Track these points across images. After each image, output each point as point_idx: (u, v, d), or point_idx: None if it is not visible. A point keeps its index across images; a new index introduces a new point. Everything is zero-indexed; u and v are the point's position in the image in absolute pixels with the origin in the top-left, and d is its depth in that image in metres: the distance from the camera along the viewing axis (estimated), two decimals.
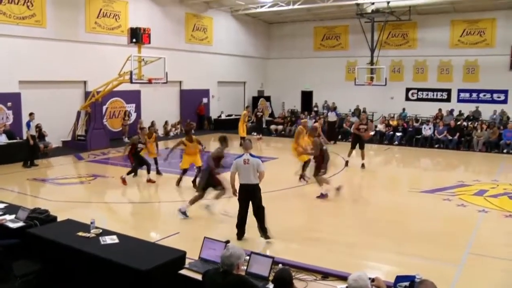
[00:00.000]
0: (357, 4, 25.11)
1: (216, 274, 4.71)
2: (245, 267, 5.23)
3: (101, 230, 6.75)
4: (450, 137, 21.87)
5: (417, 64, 28.98)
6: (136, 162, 13.87)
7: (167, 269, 5.73)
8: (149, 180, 13.91)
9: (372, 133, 23.36)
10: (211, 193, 10.45)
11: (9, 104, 18.42)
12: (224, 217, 10.15)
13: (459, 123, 22.97)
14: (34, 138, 16.55)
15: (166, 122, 25.28)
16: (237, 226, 8.71)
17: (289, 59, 32.94)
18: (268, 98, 32.65)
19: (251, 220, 8.69)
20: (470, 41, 27.21)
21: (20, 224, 7.21)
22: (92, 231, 6.70)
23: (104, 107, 22.05)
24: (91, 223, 6.84)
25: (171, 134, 25.23)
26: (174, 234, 8.91)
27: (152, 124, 20.10)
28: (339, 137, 22.93)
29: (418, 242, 8.84)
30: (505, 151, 20.56)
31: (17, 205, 8.42)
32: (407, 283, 4.87)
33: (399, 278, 4.96)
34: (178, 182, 13.55)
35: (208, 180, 10.21)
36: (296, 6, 26.26)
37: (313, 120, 25.89)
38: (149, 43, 18.66)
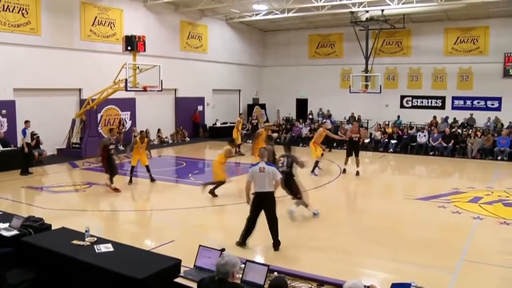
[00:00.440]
0: (352, 12, 25.23)
1: (211, 282, 4.70)
2: (241, 275, 5.22)
3: (95, 238, 6.71)
4: (444, 144, 21.93)
5: (411, 72, 29.12)
6: (110, 165, 13.58)
7: (162, 277, 5.70)
8: (116, 189, 13.53)
9: (367, 140, 23.49)
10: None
11: (3, 111, 18.36)
12: (219, 225, 10.12)
13: (453, 130, 23.02)
14: (29, 146, 16.50)
15: (159, 130, 25.26)
16: (244, 232, 8.65)
17: (284, 66, 33.03)
18: (263, 106, 32.69)
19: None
20: (464, 49, 27.38)
21: (14, 232, 7.16)
22: (86, 239, 6.67)
23: (99, 115, 22.01)
24: (86, 231, 6.81)
25: (169, 141, 25.31)
26: (169, 242, 8.88)
27: (147, 132, 20.09)
28: (334, 144, 22.96)
29: (413, 249, 8.84)
30: (499, 158, 20.63)
31: (11, 213, 8.38)
32: None
33: (395, 286, 4.95)
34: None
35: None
36: (290, 14, 26.38)
37: (308, 128, 26.02)
38: (144, 51, 18.68)
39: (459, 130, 23.50)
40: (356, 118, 28.79)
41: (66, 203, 12.37)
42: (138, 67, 18.41)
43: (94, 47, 21.62)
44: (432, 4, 22.49)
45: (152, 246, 8.55)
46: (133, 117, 23.95)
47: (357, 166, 16.80)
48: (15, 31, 18.59)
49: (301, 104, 32.86)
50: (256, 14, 28.00)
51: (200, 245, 5.89)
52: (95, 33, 21.74)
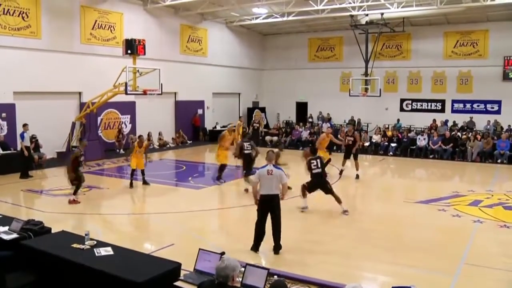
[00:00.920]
0: (351, 16, 25.23)
1: (211, 286, 4.69)
2: (241, 279, 5.22)
3: (95, 242, 6.71)
4: (444, 148, 21.92)
5: (411, 75, 29.15)
6: (77, 176, 12.85)
7: (162, 281, 5.69)
8: (73, 201, 12.61)
9: (367, 143, 23.50)
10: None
11: (3, 115, 18.35)
12: (219, 228, 10.10)
13: (453, 133, 23.02)
14: (28, 150, 16.50)
15: (160, 134, 25.25)
16: (255, 238, 8.64)
17: (284, 70, 33.07)
18: (263, 109, 32.71)
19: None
20: (463, 52, 27.42)
21: (14, 235, 7.15)
22: (86, 242, 6.66)
23: (99, 118, 22.03)
24: (86, 234, 6.80)
25: (170, 145, 25.34)
26: (169, 246, 8.87)
27: (149, 135, 20.06)
28: (334, 147, 22.94)
29: (413, 252, 8.84)
30: (499, 161, 20.61)
31: (11, 216, 8.37)
32: None
33: None
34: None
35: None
36: (290, 18, 26.43)
37: (308, 131, 26.04)
38: (144, 54, 18.71)
39: (459, 133, 23.48)
40: (356, 122, 28.81)
41: (66, 206, 12.36)
42: (138, 71, 18.42)
43: (94, 51, 21.64)
44: (431, 8, 22.53)
45: (152, 250, 8.55)
46: (133, 121, 23.94)
47: (356, 169, 16.84)
48: (15, 34, 18.60)
49: (301, 108, 32.87)
50: (256, 18, 28.03)
51: (200, 249, 5.88)
52: (95, 36, 21.76)
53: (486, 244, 9.46)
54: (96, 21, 21.79)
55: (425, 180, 18.45)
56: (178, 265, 6.03)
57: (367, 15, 24.80)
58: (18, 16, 18.67)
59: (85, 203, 13.11)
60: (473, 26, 26.89)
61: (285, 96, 32.97)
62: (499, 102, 26.55)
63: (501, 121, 25.64)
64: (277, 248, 8.57)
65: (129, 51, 18.29)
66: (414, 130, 25.47)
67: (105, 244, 6.68)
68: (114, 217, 11.82)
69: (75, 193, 12.73)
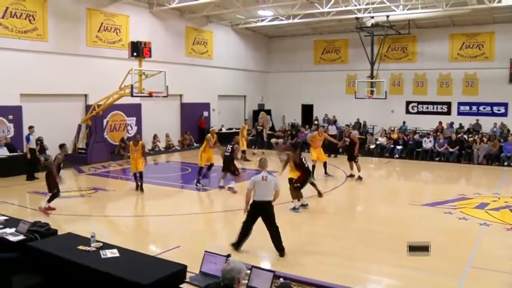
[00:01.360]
0: (357, 18, 25.24)
1: None
2: (246, 281, 5.22)
3: (101, 244, 6.74)
4: (450, 150, 21.85)
5: (416, 78, 29.10)
6: (55, 184, 12.02)
7: (168, 283, 5.71)
8: (48, 208, 11.89)
9: (372, 146, 23.43)
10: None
11: (10, 117, 18.43)
12: (225, 231, 10.09)
13: (459, 136, 22.93)
14: (33, 152, 16.56)
15: (167, 135, 25.27)
16: (240, 236, 8.72)
17: (289, 72, 33.08)
18: (268, 112, 32.69)
19: (251, 232, 8.67)
20: (469, 54, 27.34)
21: (21, 237, 7.20)
22: (92, 244, 6.69)
23: (105, 120, 22.07)
24: (92, 236, 6.83)
25: (177, 147, 25.37)
26: (175, 248, 8.88)
27: (155, 137, 20.06)
28: (340, 150, 22.89)
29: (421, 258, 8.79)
30: (505, 164, 20.53)
31: (17, 218, 8.41)
32: None
33: None
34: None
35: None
36: (296, 20, 26.42)
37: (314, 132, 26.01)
38: (150, 56, 18.73)
39: (465, 136, 23.40)
40: (361, 124, 28.79)
41: (72, 208, 12.41)
42: (143, 73, 18.45)
43: (100, 53, 21.69)
44: (437, 10, 22.47)
45: (157, 252, 8.56)
46: (138, 123, 23.98)
47: (358, 170, 16.89)
48: (22, 37, 18.69)
49: (307, 110, 32.87)
50: (262, 20, 28.06)
51: (205, 251, 5.89)
52: (101, 39, 21.83)
53: (493, 247, 9.42)
54: (102, 23, 21.86)
55: (431, 183, 18.40)
56: (184, 267, 6.05)
57: (372, 17, 24.77)
58: (25, 19, 18.76)
59: (91, 205, 13.16)
60: (479, 28, 26.81)
61: (290, 99, 32.97)
62: (505, 105, 26.44)
63: (508, 123, 25.58)
64: (281, 251, 8.58)
65: (135, 54, 18.32)
66: (420, 133, 25.39)
67: (111, 246, 6.71)
68: (120, 219, 11.84)
69: (50, 200, 11.95)
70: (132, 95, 18.18)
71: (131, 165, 14.75)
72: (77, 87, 20.86)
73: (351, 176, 17.08)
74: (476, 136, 23.17)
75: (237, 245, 8.72)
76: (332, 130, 24.59)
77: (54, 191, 11.92)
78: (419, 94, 29.04)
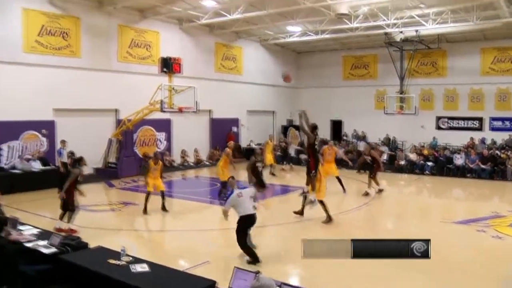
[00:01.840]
0: (386, 33, 25.15)
1: None
2: None
3: (131, 258, 6.79)
4: (482, 167, 21.41)
5: (447, 93, 28.74)
6: (73, 199, 11.48)
7: None
8: (63, 230, 11.06)
9: (402, 162, 23.15)
10: None
11: (44, 131, 18.84)
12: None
13: (491, 152, 22.51)
14: (65, 166, 16.83)
15: (196, 150, 25.40)
16: (252, 254, 9.04)
17: (318, 88, 33.03)
18: (297, 127, 32.62)
19: (280, 248, 8.63)
20: (502, 69, 26.93)
21: (53, 250, 7.30)
22: (122, 258, 6.75)
23: (135, 135, 22.36)
24: (122, 250, 6.89)
25: (206, 162, 25.45)
26: (204, 263, 8.88)
27: (183, 152, 20.14)
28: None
29: (451, 274, 8.63)
30: None
31: (49, 231, 8.54)
32: None
33: None
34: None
35: None
36: (324, 36, 26.48)
37: (343, 150, 25.87)
38: (180, 72, 18.96)
39: (498, 152, 22.95)
40: (391, 140, 28.51)
41: (103, 222, 12.54)
42: (173, 89, 18.64)
43: (131, 69, 22.04)
44: (468, 24, 22.20)
45: (186, 267, 8.57)
46: (168, 138, 24.21)
47: (377, 184, 16.68)
48: (56, 54, 19.14)
49: (336, 126, 32.73)
50: (290, 36, 28.19)
51: (235, 267, 5.88)
52: (131, 55, 22.19)
53: None
54: (133, 39, 22.23)
55: (463, 200, 18.08)
56: (213, 283, 6.05)
57: (401, 32, 24.66)
58: (59, 36, 19.23)
59: (121, 219, 13.28)
60: (510, 42, 26.41)
61: (319, 114, 32.68)
62: None
63: None
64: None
65: (165, 69, 18.57)
66: (451, 149, 25.00)
67: (140, 261, 6.74)
68: (150, 233, 11.93)
69: (70, 220, 11.39)
70: (162, 110, 18.41)
71: (148, 185, 13.79)
72: (108, 102, 21.20)
73: (381, 191, 16.79)
74: (510, 152, 22.69)
75: (254, 260, 8.86)
76: (362, 146, 24.39)
77: (69, 208, 11.34)
78: (449, 109, 28.68)
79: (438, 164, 22.85)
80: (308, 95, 33.67)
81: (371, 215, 14.49)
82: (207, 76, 25.65)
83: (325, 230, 11.75)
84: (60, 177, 16.69)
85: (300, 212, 12.83)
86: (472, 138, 25.91)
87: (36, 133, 18.64)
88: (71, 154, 18.00)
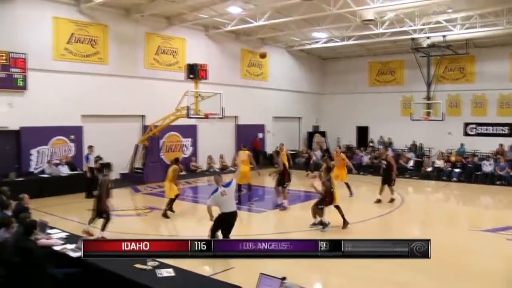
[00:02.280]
0: (412, 39, 24.95)
1: None
2: None
3: (157, 263, 6.83)
4: None
5: (475, 98, 28.33)
6: (104, 208, 11.25)
7: None
8: (91, 233, 11.16)
9: (429, 169, 22.86)
10: None
11: (72, 136, 19.16)
12: None
13: None
14: (92, 171, 17.07)
15: (221, 156, 25.46)
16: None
17: (344, 94, 32.90)
18: (323, 133, 32.54)
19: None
20: None
21: (80, 253, 7.38)
22: (149, 263, 6.79)
23: (161, 141, 22.55)
24: None
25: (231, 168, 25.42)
26: (229, 269, 8.88)
27: (210, 158, 20.04)
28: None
29: (479, 283, 8.47)
30: None
31: (77, 234, 8.66)
32: None
33: None
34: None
35: None
36: (350, 42, 26.41)
37: (368, 156, 25.68)
38: (206, 78, 19.07)
39: None
40: (417, 146, 28.20)
41: (129, 227, 12.64)
42: (199, 95, 18.74)
43: (157, 75, 22.27)
44: (497, 29, 21.89)
45: (211, 272, 8.58)
46: (194, 144, 24.35)
47: (391, 193, 16.10)
48: (84, 61, 19.47)
49: (362, 132, 32.54)
50: (316, 42, 28.17)
51: (261, 273, 5.86)
52: (158, 61, 22.42)
53: None
54: (159, 46, 22.47)
55: (492, 208, 17.75)
56: None
57: (428, 37, 24.44)
58: (88, 43, 19.56)
59: (147, 223, 13.38)
60: None
61: (345, 120, 32.72)
62: None
63: None
64: None
65: (191, 76, 18.68)
66: (479, 155, 24.60)
67: (166, 266, 6.78)
68: (175, 238, 11.96)
69: (103, 228, 11.23)
70: (188, 117, 18.51)
71: (172, 189, 14.15)
72: (135, 108, 21.45)
73: (392, 200, 16.12)
74: None
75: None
76: (389, 152, 24.17)
77: (103, 216, 11.25)
78: (478, 115, 28.25)
79: (466, 171, 22.53)
80: (333, 101, 33.59)
81: (397, 222, 14.32)
82: (233, 83, 25.75)
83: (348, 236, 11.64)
84: (87, 182, 16.99)
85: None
86: (501, 145, 25.47)
87: (65, 138, 18.94)
88: (99, 158, 18.36)
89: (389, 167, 16.14)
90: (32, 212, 10.10)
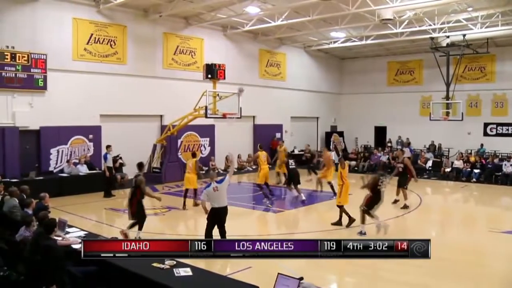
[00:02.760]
0: (432, 38, 24.71)
1: None
2: None
3: (175, 262, 6.85)
4: None
5: (495, 98, 27.98)
6: (141, 212, 10.99)
7: None
8: (127, 234, 10.83)
9: (448, 169, 22.62)
10: None
11: (90, 136, 19.34)
12: None
13: None
14: (110, 170, 17.19)
15: (239, 156, 25.46)
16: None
17: (362, 94, 32.74)
18: (341, 133, 32.40)
19: None
20: None
21: None
22: (166, 262, 6.81)
23: (179, 141, 22.64)
24: None
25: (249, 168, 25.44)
26: (246, 269, 8.87)
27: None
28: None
29: (500, 285, 8.37)
30: None
31: (95, 233, 8.73)
32: None
33: None
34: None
35: None
36: (368, 42, 26.28)
37: (386, 156, 25.51)
38: (224, 78, 19.08)
39: None
40: (436, 146, 27.93)
41: (146, 226, 12.65)
42: (218, 95, 18.77)
43: (176, 75, 22.37)
44: None
45: (229, 272, 8.59)
46: (211, 144, 24.41)
47: (405, 198, 15.46)
48: (103, 61, 19.64)
49: (380, 132, 32.33)
50: (334, 42, 28.07)
51: (278, 273, 5.85)
52: (176, 61, 22.52)
53: None
54: (177, 46, 22.57)
55: None
56: None
57: (448, 37, 24.18)
58: (107, 44, 19.72)
59: (165, 223, 13.44)
60: None
61: (363, 120, 32.55)
62: None
63: None
64: None
65: (209, 76, 18.71)
66: (500, 156, 24.28)
67: (184, 265, 6.80)
68: (193, 237, 12.00)
69: (131, 226, 11.00)
70: (206, 116, 18.55)
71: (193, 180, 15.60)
72: (153, 108, 21.57)
73: (406, 207, 15.30)
74: None
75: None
76: (406, 152, 23.95)
77: (138, 219, 10.93)
78: (498, 115, 27.89)
79: (486, 171, 22.27)
80: (351, 101, 33.45)
81: (415, 223, 14.18)
82: (251, 82, 25.71)
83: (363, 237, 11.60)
84: (106, 182, 17.14)
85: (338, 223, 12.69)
86: None
87: (84, 138, 19.12)
88: (119, 157, 18.57)
89: (405, 170, 15.65)
90: (51, 210, 10.22)
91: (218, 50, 24.10)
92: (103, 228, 12.52)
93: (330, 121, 33.44)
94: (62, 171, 18.14)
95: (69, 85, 18.55)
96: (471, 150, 25.90)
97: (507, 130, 27.52)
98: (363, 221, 11.67)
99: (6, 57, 16.63)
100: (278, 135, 28.28)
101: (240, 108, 18.90)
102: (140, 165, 12.09)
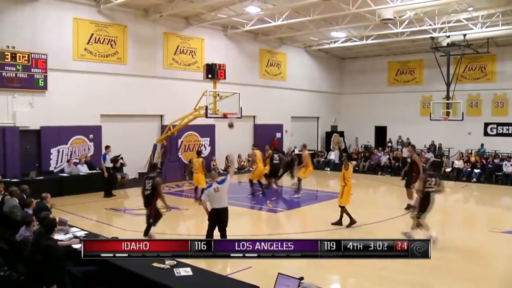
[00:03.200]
0: (432, 38, 24.70)
1: None
2: None
3: (175, 262, 6.85)
4: None
5: (496, 98, 27.98)
6: (158, 212, 11.23)
7: None
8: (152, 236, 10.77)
9: (448, 169, 22.61)
10: None
11: (91, 136, 19.34)
12: None
13: None
14: (109, 171, 17.19)
15: (239, 156, 25.44)
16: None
17: (362, 94, 32.73)
18: (341, 133, 32.39)
19: None
20: None
21: None
22: (166, 262, 6.82)
23: (179, 141, 22.63)
24: None
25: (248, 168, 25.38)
26: (246, 268, 8.87)
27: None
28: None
29: (500, 285, 8.37)
30: None
31: (95, 233, 8.73)
32: None
33: None
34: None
35: None
36: (369, 41, 26.28)
37: (387, 156, 25.48)
38: (224, 78, 19.07)
39: None
40: (437, 146, 27.92)
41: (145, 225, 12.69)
42: (218, 95, 18.77)
43: (176, 75, 22.37)
44: None
45: (229, 272, 8.60)
46: (212, 143, 24.40)
47: (409, 198, 14.97)
48: (104, 61, 19.64)
49: (380, 132, 32.32)
50: (335, 42, 28.06)
51: (279, 273, 5.85)
52: (177, 61, 22.51)
53: None
54: (178, 46, 22.57)
55: None
56: None
57: (448, 36, 24.17)
58: (107, 44, 19.73)
59: (165, 223, 13.41)
60: None
61: (363, 120, 32.54)
62: None
63: None
64: None
65: (209, 76, 18.71)
66: (500, 156, 24.27)
67: (184, 265, 6.80)
68: (193, 238, 11.99)
69: (155, 223, 11.15)
70: (206, 116, 18.55)
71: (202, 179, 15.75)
72: (154, 108, 21.57)
73: (409, 207, 14.63)
74: None
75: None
76: (406, 152, 23.93)
77: (156, 218, 11.10)
78: (498, 115, 27.88)
79: (486, 171, 22.27)
80: (352, 101, 33.46)
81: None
82: (251, 82, 25.76)
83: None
84: (105, 182, 17.15)
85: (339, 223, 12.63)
86: None
87: (84, 138, 19.12)
88: (119, 157, 18.58)
89: (412, 168, 15.13)
90: (52, 210, 10.22)
91: (218, 50, 24.10)
92: (103, 228, 12.51)
93: (331, 121, 33.44)
94: (62, 171, 18.15)
95: (69, 85, 18.55)
96: (471, 150, 25.89)
97: (508, 130, 27.51)
98: (418, 226, 11.04)
99: (7, 57, 16.64)
100: (278, 135, 28.28)
101: (241, 108, 18.88)
102: (154, 166, 12.27)
